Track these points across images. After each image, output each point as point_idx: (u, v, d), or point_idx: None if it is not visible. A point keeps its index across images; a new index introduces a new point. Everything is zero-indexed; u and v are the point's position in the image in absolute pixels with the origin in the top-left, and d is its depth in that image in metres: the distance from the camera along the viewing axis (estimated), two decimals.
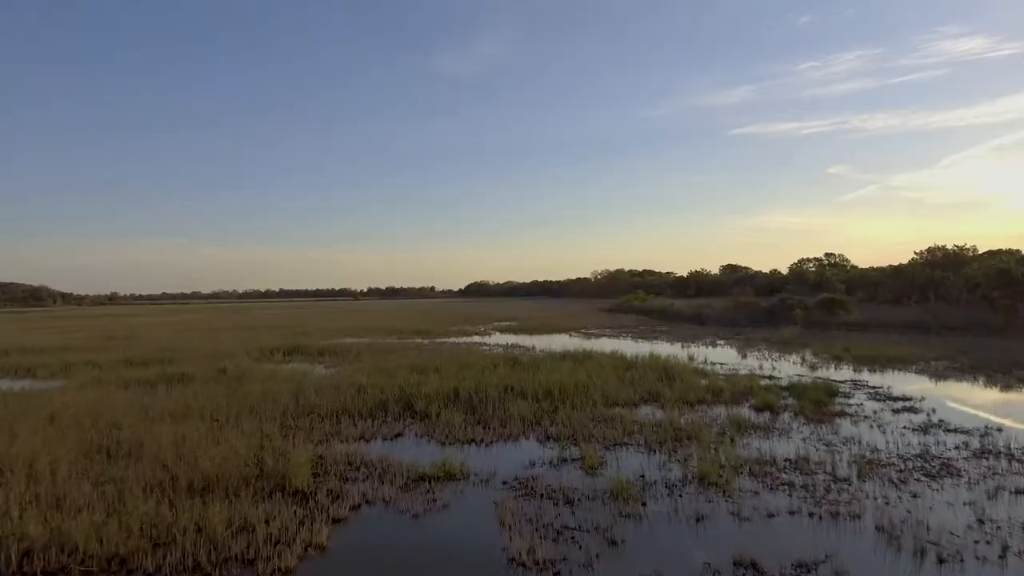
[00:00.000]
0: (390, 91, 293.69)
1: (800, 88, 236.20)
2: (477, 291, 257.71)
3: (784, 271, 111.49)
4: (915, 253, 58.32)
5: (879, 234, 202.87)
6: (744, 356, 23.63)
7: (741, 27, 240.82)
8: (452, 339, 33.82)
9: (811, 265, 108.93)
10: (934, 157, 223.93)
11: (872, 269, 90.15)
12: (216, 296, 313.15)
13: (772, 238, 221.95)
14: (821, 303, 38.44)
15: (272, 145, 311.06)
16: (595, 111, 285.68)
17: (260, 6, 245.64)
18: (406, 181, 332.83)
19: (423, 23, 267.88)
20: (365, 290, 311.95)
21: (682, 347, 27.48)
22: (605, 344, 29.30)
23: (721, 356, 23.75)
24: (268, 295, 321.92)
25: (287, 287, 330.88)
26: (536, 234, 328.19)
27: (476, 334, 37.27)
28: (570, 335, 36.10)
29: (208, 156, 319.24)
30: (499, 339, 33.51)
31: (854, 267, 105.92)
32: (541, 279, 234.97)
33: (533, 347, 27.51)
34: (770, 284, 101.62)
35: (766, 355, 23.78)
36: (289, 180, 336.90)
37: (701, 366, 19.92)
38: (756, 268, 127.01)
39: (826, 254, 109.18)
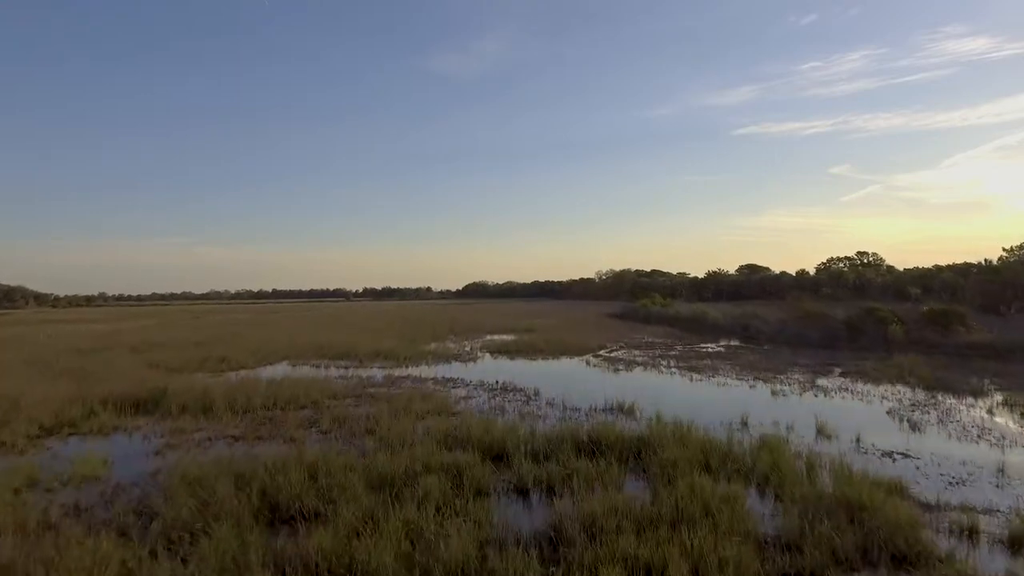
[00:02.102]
0: (390, 91, 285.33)
1: (803, 88, 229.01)
2: (475, 292, 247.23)
3: (811, 271, 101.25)
4: (1004, 250, 47.99)
5: (880, 235, 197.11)
6: (919, 429, 13.23)
7: (743, 27, 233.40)
8: (421, 368, 23.79)
9: (843, 264, 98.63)
10: (936, 157, 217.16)
11: (925, 270, 79.70)
12: (207, 297, 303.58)
13: (772, 238, 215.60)
14: (930, 317, 28.18)
15: (271, 145, 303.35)
16: (596, 111, 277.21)
17: (260, 6, 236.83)
18: (405, 181, 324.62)
19: (423, 23, 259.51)
20: (360, 291, 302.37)
21: (772, 393, 17.27)
22: (647, 383, 19.17)
23: (883, 429, 13.36)
24: (260, 295, 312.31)
25: (281, 287, 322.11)
26: (536, 234, 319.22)
27: (457, 359, 27.09)
28: (587, 361, 25.95)
29: (207, 156, 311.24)
30: (486, 369, 23.39)
31: (890, 267, 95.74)
32: (542, 279, 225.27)
33: (536, 394, 17.36)
34: (799, 286, 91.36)
35: (966, 422, 13.51)
36: (287, 180, 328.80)
37: (890, 473, 9.62)
38: (778, 269, 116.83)
39: (858, 253, 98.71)
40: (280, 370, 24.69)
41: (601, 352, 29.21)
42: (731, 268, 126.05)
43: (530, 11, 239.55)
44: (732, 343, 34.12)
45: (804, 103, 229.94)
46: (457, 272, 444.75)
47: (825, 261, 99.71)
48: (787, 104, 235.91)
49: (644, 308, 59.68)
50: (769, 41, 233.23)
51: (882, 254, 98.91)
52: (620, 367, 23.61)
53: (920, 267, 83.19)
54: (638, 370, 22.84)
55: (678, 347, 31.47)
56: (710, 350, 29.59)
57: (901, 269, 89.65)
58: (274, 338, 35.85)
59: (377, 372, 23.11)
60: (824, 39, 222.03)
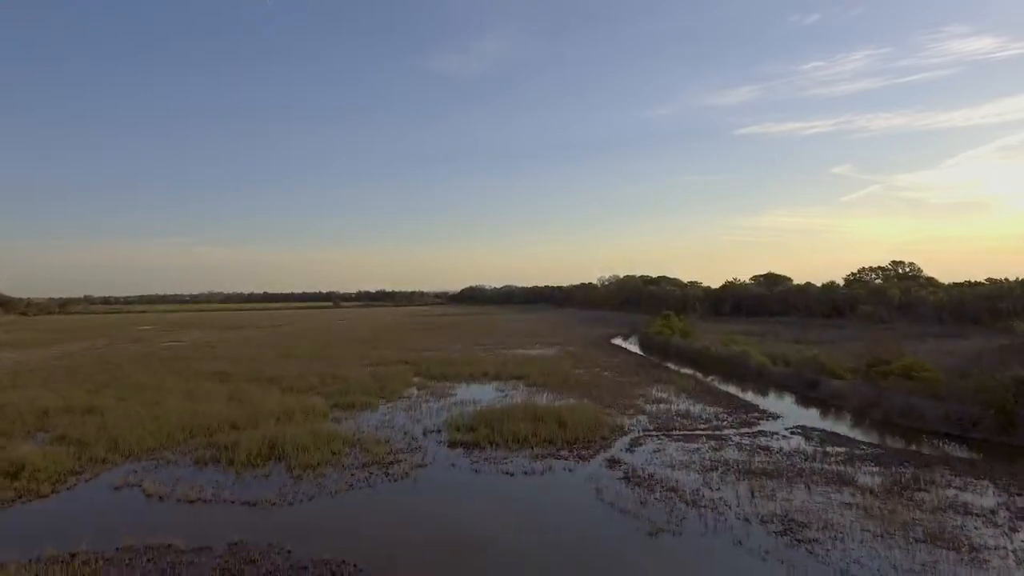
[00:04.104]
0: (390, 91, 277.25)
1: (804, 88, 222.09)
2: (471, 297, 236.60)
3: (840, 281, 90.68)
4: None
5: (880, 235, 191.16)
6: None
7: (743, 27, 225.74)
8: (321, 503, 13.87)
9: (875, 276, 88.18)
10: (937, 157, 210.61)
11: (981, 284, 69.19)
12: (197, 300, 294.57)
13: (772, 238, 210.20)
14: None
15: (271, 145, 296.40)
16: (596, 111, 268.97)
17: (260, 6, 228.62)
18: (405, 181, 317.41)
19: (423, 23, 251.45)
20: (354, 293, 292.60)
21: None
22: None
23: None
24: (252, 298, 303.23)
25: (280, 289, 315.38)
26: (536, 234, 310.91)
27: (395, 460, 16.97)
28: (596, 485, 16.00)
29: (207, 156, 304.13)
30: (427, 500, 13.33)
31: (930, 279, 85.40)
32: (542, 284, 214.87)
33: None
34: (831, 301, 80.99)
35: None
36: (287, 180, 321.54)
37: None
38: (781, 271, 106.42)
39: (893, 262, 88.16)
40: (111, 487, 14.93)
41: (616, 446, 19.08)
42: (733, 268, 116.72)
43: (530, 11, 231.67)
44: (806, 422, 23.56)
45: (805, 103, 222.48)
46: (457, 272, 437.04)
47: (855, 271, 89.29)
48: (788, 104, 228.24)
49: (662, 337, 49.17)
50: (770, 41, 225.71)
51: (882, 254, 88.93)
52: (656, 514, 13.45)
53: (972, 280, 72.69)
54: (691, 528, 12.68)
55: (730, 430, 21.30)
56: (786, 446, 19.28)
57: (947, 283, 79.22)
58: (166, 412, 25.60)
59: (242, 513, 13.21)
60: (826, 39, 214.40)
